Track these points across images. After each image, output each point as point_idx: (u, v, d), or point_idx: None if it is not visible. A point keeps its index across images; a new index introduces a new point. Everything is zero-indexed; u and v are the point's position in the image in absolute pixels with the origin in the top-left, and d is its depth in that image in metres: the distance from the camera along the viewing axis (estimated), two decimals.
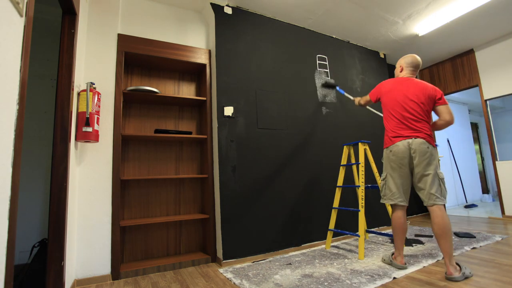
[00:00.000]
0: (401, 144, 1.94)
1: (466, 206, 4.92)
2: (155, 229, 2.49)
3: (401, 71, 2.17)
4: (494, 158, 3.82)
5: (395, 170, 1.99)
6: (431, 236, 2.85)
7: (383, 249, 2.51)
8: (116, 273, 2.09)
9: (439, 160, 1.77)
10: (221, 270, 2.18)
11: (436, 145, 2.11)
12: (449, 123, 1.96)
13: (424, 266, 2.00)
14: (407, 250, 2.43)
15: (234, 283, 1.89)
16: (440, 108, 1.97)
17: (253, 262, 2.35)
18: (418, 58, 2.13)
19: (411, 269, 1.96)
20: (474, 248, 2.38)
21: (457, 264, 1.79)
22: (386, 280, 1.80)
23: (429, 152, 1.89)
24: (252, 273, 2.06)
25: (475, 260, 2.08)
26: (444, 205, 2.01)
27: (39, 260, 1.92)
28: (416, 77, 2.19)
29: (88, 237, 2.04)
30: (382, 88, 2.18)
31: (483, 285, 1.64)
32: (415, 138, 1.92)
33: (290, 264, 2.24)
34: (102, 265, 2.06)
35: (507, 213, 3.65)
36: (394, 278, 1.83)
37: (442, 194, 1.86)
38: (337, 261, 2.25)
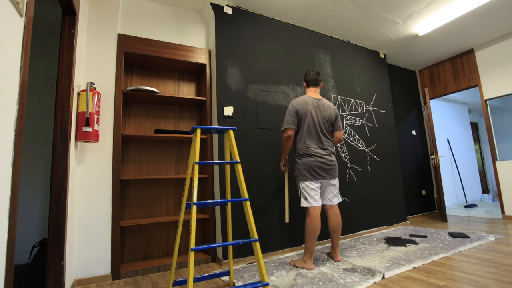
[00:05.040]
0: None
1: (466, 206, 4.92)
2: (155, 229, 2.49)
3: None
4: (494, 158, 3.82)
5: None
6: (425, 236, 2.85)
7: (376, 249, 2.52)
8: (116, 273, 2.09)
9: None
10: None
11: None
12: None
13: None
14: (400, 250, 2.44)
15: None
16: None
17: (248, 263, 2.33)
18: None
19: (404, 268, 1.98)
20: (467, 248, 2.38)
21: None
22: (378, 279, 1.83)
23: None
24: (248, 275, 2.03)
25: (475, 260, 2.08)
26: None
27: (39, 260, 1.92)
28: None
29: (88, 237, 2.04)
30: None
31: (483, 285, 1.64)
32: None
33: (285, 264, 2.25)
34: (102, 265, 2.06)
35: (507, 213, 3.65)
36: (383, 278, 1.86)
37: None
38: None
